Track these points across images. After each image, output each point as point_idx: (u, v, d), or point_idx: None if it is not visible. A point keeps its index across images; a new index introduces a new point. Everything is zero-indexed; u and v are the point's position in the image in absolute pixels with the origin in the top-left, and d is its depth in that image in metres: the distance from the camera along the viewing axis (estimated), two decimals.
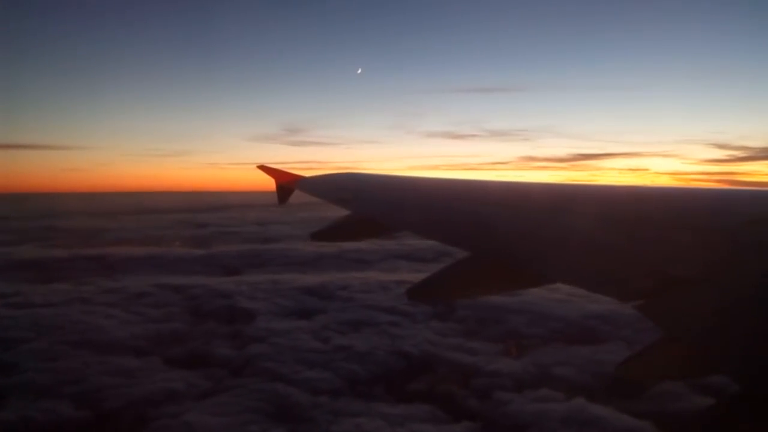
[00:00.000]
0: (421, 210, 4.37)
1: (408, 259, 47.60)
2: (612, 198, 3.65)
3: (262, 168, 8.85)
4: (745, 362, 1.52)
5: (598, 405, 17.27)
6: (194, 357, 21.59)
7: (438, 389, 18.73)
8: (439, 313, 27.79)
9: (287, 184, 8.09)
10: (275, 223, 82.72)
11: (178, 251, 52.24)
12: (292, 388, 18.34)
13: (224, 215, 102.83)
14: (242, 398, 17.56)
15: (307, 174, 8.54)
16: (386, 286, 33.40)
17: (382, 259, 47.44)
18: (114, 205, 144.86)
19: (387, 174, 6.93)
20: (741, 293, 1.84)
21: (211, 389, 18.52)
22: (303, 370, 19.83)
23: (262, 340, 23.10)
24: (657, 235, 2.53)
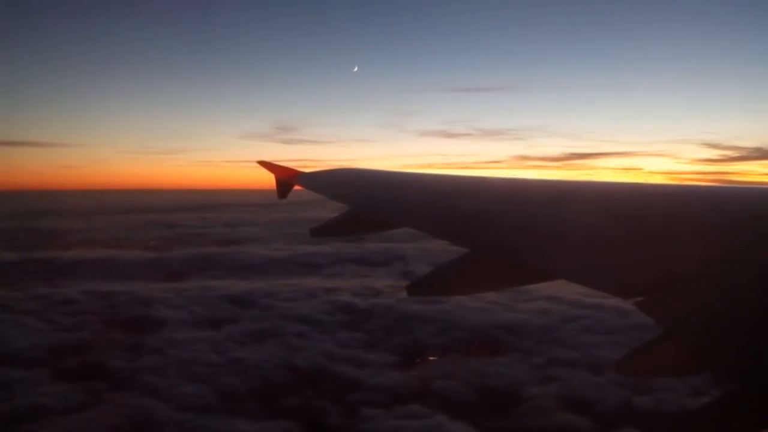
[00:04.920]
0: (422, 206, 4.37)
1: (358, 263, 47.51)
2: (612, 195, 3.66)
3: (262, 163, 8.79)
4: (744, 359, 1.51)
5: (459, 422, 17.29)
6: (83, 369, 21.52)
7: (310, 405, 18.73)
8: (351, 322, 27.84)
9: (287, 179, 8.09)
10: (246, 225, 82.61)
11: (131, 254, 52.09)
12: (162, 403, 18.32)
13: (200, 215, 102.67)
14: (106, 414, 17.53)
15: None
16: (315, 294, 33.39)
17: (333, 263, 47.35)
18: (97, 204, 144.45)
19: (387, 170, 6.91)
20: (740, 290, 1.84)
21: (81, 404, 18.46)
22: (182, 385, 19.80)
23: (158, 351, 23.06)
24: (657, 231, 2.53)
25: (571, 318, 27.52)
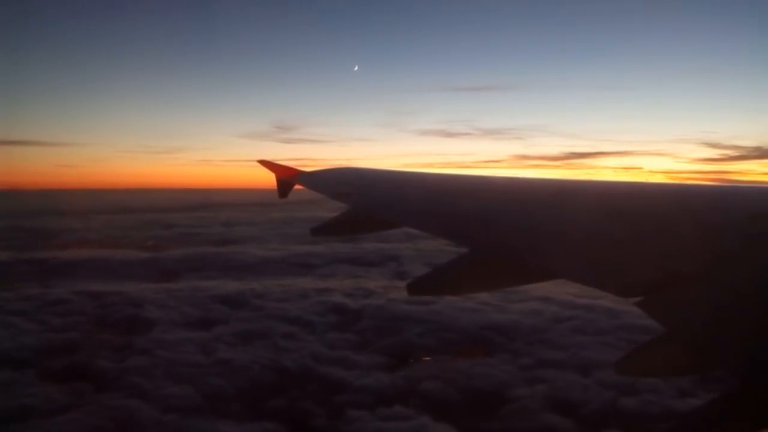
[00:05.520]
0: (422, 205, 4.38)
1: (353, 264, 47.45)
2: (612, 194, 3.66)
3: (263, 163, 8.89)
4: (744, 358, 1.51)
5: (443, 423, 17.26)
6: (71, 370, 21.50)
7: (295, 406, 18.70)
8: (341, 323, 27.80)
9: (287, 178, 8.14)
10: (242, 224, 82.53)
11: (126, 254, 52.06)
12: (147, 404, 18.29)
13: (198, 215, 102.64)
14: (90, 416, 17.49)
15: None
16: (306, 294, 33.33)
17: (327, 263, 47.29)
18: (97, 203, 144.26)
19: (388, 169, 6.91)
20: (740, 289, 1.83)
21: (66, 406, 18.42)
22: (168, 386, 19.76)
23: (147, 352, 23.02)
24: (657, 231, 2.53)
25: (561, 319, 27.47)
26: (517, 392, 19.58)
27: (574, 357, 22.57)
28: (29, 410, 18.04)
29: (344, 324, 27.45)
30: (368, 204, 5.14)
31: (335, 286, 36.26)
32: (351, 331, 26.25)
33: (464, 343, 24.62)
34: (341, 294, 33.73)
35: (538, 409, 18.33)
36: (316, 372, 21.32)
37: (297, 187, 8.04)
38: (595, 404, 18.65)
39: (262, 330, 26.07)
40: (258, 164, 9.05)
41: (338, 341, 24.86)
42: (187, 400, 18.82)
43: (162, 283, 37.46)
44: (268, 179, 8.69)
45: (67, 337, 25.36)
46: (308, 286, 35.95)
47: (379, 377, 20.89)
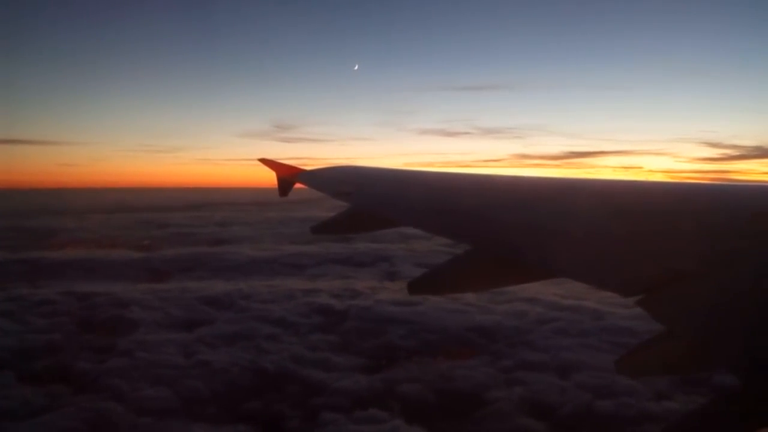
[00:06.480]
0: (423, 204, 4.37)
1: (344, 264, 47.41)
2: (613, 193, 3.65)
3: (264, 161, 8.89)
4: (746, 357, 1.51)
5: (416, 426, 17.22)
6: (50, 372, 21.49)
7: (270, 409, 18.68)
8: (325, 324, 27.76)
9: (288, 177, 8.13)
10: (237, 224, 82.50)
11: (118, 254, 52.10)
12: (122, 406, 18.28)
13: (195, 214, 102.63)
14: (64, 419, 17.47)
15: None
16: (293, 295, 33.27)
17: (318, 264, 47.23)
18: (96, 203, 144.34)
19: (389, 167, 6.90)
20: (742, 288, 1.82)
21: (42, 408, 18.41)
22: (144, 388, 19.75)
23: (127, 353, 23.01)
24: (659, 229, 2.53)
25: (545, 320, 27.43)
26: (494, 394, 19.52)
27: (555, 359, 22.52)
28: (4, 413, 18.03)
29: (328, 325, 27.39)
30: (369, 202, 5.12)
31: (323, 287, 36.21)
32: (334, 333, 26.20)
33: (447, 345, 24.57)
34: (328, 295, 33.67)
35: (512, 411, 18.28)
36: (295, 374, 21.27)
37: (297, 185, 8.03)
38: (570, 407, 18.60)
39: (245, 331, 26.02)
40: (259, 163, 9.08)
41: (320, 343, 24.81)
42: (163, 402, 18.79)
43: (150, 284, 37.46)
44: (268, 178, 8.73)
45: (49, 338, 25.33)
46: (296, 286, 35.90)
47: (358, 379, 20.84)
